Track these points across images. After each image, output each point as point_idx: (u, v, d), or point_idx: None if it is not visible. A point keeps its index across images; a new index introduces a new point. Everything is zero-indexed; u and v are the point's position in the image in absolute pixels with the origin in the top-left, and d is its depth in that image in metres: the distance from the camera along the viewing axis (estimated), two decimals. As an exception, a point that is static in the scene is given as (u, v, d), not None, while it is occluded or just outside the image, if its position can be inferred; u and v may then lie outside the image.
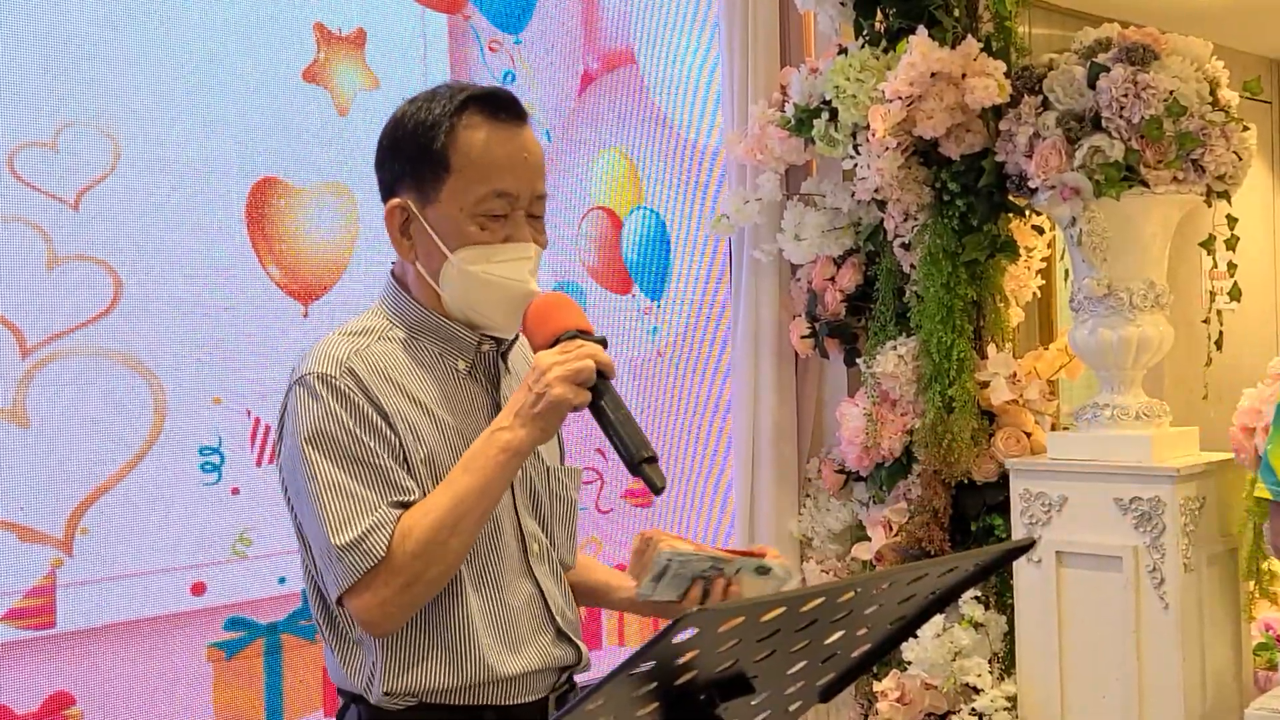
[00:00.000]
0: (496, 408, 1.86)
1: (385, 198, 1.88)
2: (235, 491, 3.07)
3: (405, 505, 1.76)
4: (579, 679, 1.99)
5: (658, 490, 1.75)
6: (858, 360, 3.85)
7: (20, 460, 2.77)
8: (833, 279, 3.91)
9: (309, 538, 1.79)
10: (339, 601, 1.76)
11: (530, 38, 3.74)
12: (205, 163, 3.05)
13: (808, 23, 4.17)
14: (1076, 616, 3.36)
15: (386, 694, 1.79)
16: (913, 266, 3.65)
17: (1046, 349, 3.88)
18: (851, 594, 1.42)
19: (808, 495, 4.06)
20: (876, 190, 3.60)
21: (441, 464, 1.80)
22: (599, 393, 1.76)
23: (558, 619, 1.91)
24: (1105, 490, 3.31)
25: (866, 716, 3.72)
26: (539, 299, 1.85)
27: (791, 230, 3.90)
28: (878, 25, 3.72)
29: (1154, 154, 3.24)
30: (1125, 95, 3.21)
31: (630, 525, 3.94)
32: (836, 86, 3.57)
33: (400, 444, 1.78)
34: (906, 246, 3.68)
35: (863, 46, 3.67)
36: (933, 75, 3.41)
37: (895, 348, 3.64)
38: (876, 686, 3.56)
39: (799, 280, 4.03)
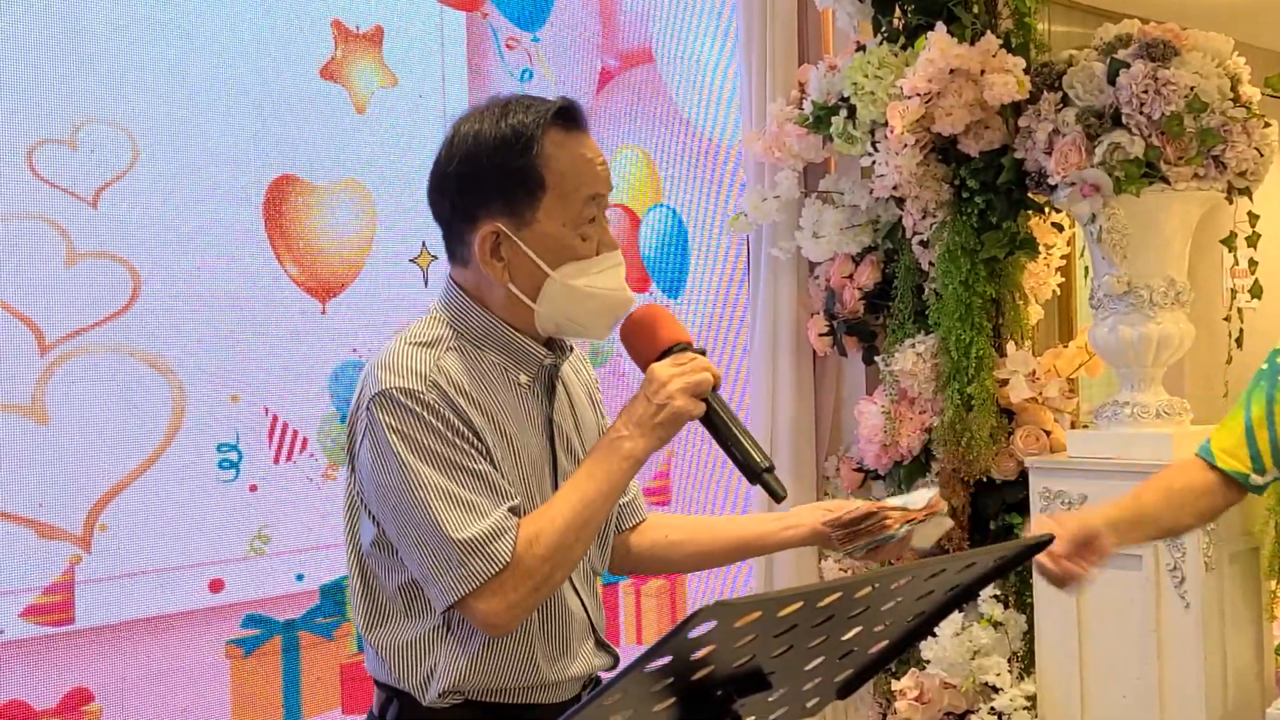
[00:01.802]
0: (549, 421, 1.90)
1: (461, 223, 1.86)
2: (253, 488, 3.08)
3: (514, 510, 1.78)
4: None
5: (779, 499, 1.81)
6: (876, 358, 3.83)
7: (39, 457, 2.78)
8: (851, 276, 3.90)
9: (410, 546, 1.77)
10: (452, 606, 1.76)
11: (548, 35, 3.73)
12: (223, 160, 3.06)
13: (826, 20, 4.16)
14: (1096, 615, 3.34)
15: (441, 694, 1.81)
16: (931, 264, 3.64)
17: (1066, 347, 3.86)
18: (869, 590, 1.41)
19: (826, 493, 4.05)
20: (895, 187, 3.58)
21: (510, 475, 1.82)
22: (711, 405, 1.82)
23: (597, 629, 1.97)
24: (1125, 488, 3.24)
25: (885, 715, 3.71)
26: (636, 312, 1.89)
27: (810, 228, 3.88)
28: (896, 22, 3.71)
29: (1174, 150, 3.22)
30: (1146, 91, 3.19)
31: (648, 523, 3.92)
32: (854, 83, 3.56)
33: (489, 452, 1.80)
34: (925, 244, 3.66)
35: (881, 43, 3.65)
36: (951, 72, 3.40)
37: (914, 345, 3.63)
38: (895, 685, 3.55)
39: (817, 278, 4.02)
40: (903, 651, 1.70)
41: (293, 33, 3.19)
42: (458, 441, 1.76)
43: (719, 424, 1.82)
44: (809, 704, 1.66)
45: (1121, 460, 3.32)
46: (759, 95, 4.04)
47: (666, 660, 1.26)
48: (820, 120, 3.75)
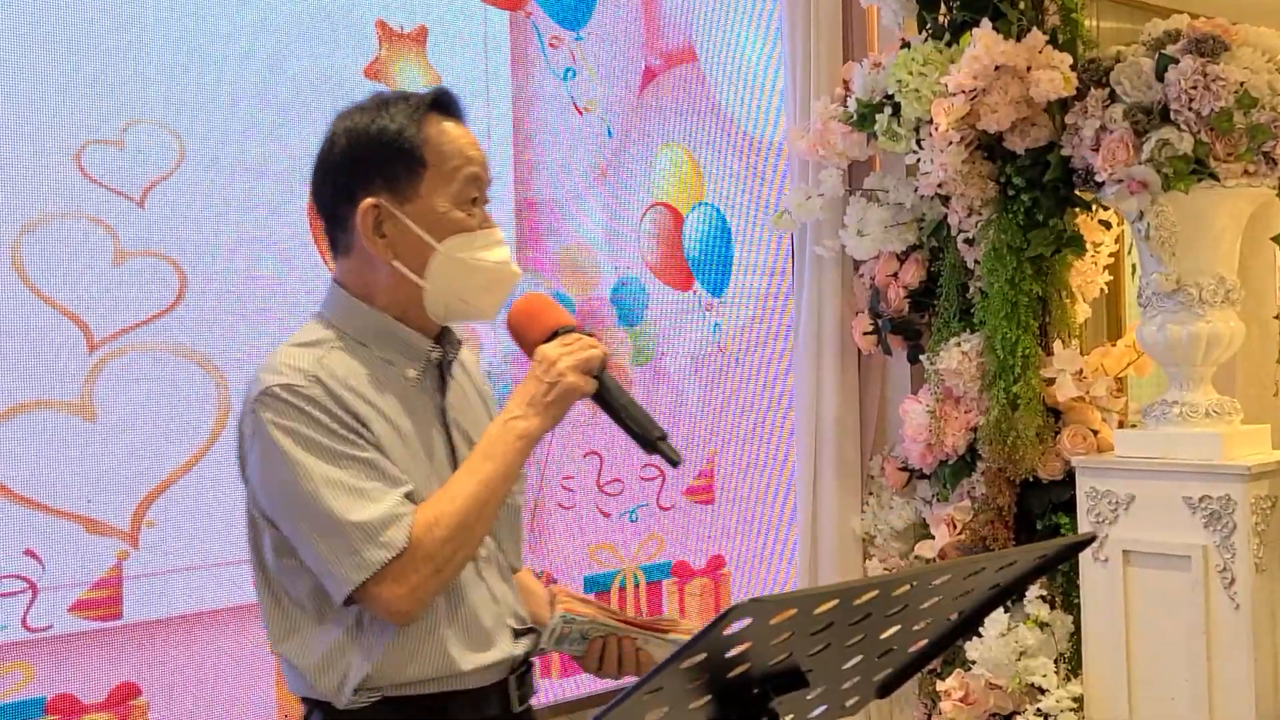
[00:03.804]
0: (442, 414, 1.93)
1: (339, 205, 1.90)
2: (298, 486, 3.10)
3: (409, 496, 1.80)
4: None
5: (675, 464, 1.85)
6: (921, 357, 3.81)
7: (87, 453, 2.81)
8: (896, 275, 3.88)
9: (305, 541, 1.78)
10: (350, 598, 1.77)
11: (591, 34, 3.74)
12: (268, 159, 3.08)
13: (870, 17, 4.14)
14: (1144, 616, 3.31)
15: (356, 691, 1.82)
16: (977, 262, 3.62)
17: (1114, 345, 3.83)
18: (907, 588, 1.40)
19: (870, 493, 4.03)
20: (940, 185, 3.56)
21: (407, 467, 1.83)
22: (602, 381, 1.87)
23: (510, 620, 1.96)
24: (1174, 489, 3.26)
25: (930, 716, 3.69)
26: (520, 301, 1.95)
27: (854, 226, 3.87)
28: (941, 19, 3.69)
29: (1224, 147, 3.18)
30: (1194, 87, 3.16)
31: (691, 522, 3.93)
32: (899, 80, 3.54)
33: (377, 444, 1.82)
34: (970, 242, 3.64)
35: (926, 40, 3.63)
36: (997, 68, 3.38)
37: (959, 344, 3.61)
38: (940, 686, 3.53)
39: (862, 276, 4.01)
40: (943, 651, 1.69)
41: (337, 33, 3.21)
42: (344, 433, 1.78)
43: (611, 399, 1.86)
44: (848, 703, 1.65)
45: (1170, 460, 3.29)
46: (803, 93, 4.03)
47: (702, 657, 1.26)
48: (865, 118, 3.74)
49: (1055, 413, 3.58)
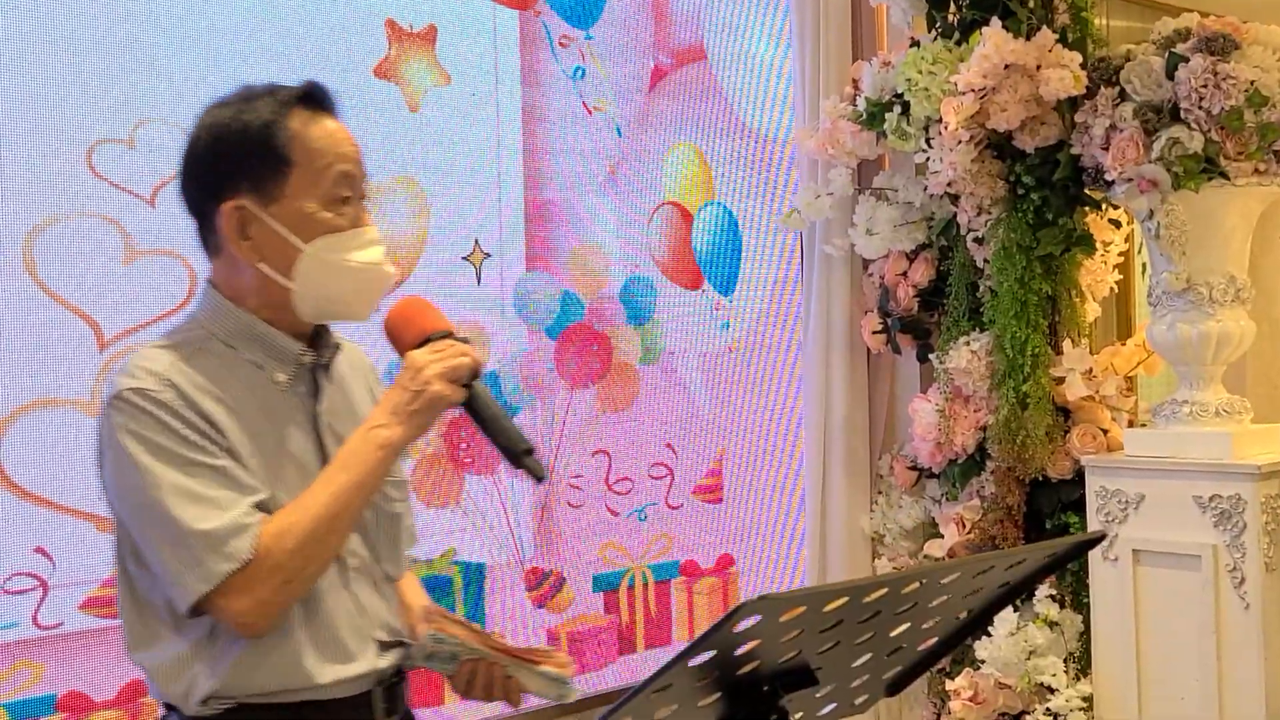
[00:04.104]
0: (314, 418, 1.87)
1: (205, 204, 1.84)
2: (308, 484, 3.10)
3: (260, 505, 1.75)
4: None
5: (540, 479, 1.81)
6: (930, 355, 3.81)
7: (98, 452, 2.81)
8: (905, 274, 3.87)
9: (154, 549, 1.74)
10: (197, 608, 1.72)
11: (601, 33, 3.74)
12: (279, 159, 3.08)
13: (880, 16, 4.14)
14: (1154, 616, 3.31)
15: (202, 702, 1.77)
16: (986, 261, 3.61)
17: (1124, 344, 3.82)
18: (916, 585, 1.40)
19: (880, 492, 4.03)
20: (949, 184, 3.56)
21: (266, 474, 1.78)
22: (472, 390, 1.81)
23: (378, 632, 1.89)
24: (1184, 488, 3.25)
25: (939, 715, 3.68)
26: (397, 304, 1.88)
27: (863, 225, 3.87)
28: (950, 17, 3.68)
29: (1234, 145, 3.18)
30: (1205, 86, 3.15)
31: (700, 521, 3.93)
32: (908, 79, 3.54)
33: (233, 450, 1.77)
34: (980, 241, 3.64)
35: (935, 39, 3.63)
36: (1007, 67, 3.37)
37: (968, 343, 3.60)
38: (949, 685, 3.52)
39: (871, 275, 4.01)
40: (953, 649, 1.69)
41: (347, 32, 3.21)
42: (195, 438, 1.73)
43: (479, 409, 1.81)
44: (857, 701, 1.65)
45: (1180, 459, 3.28)
46: (812, 92, 4.03)
47: (711, 654, 1.26)
48: (874, 117, 3.74)
49: (1065, 412, 3.57)
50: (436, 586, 3.32)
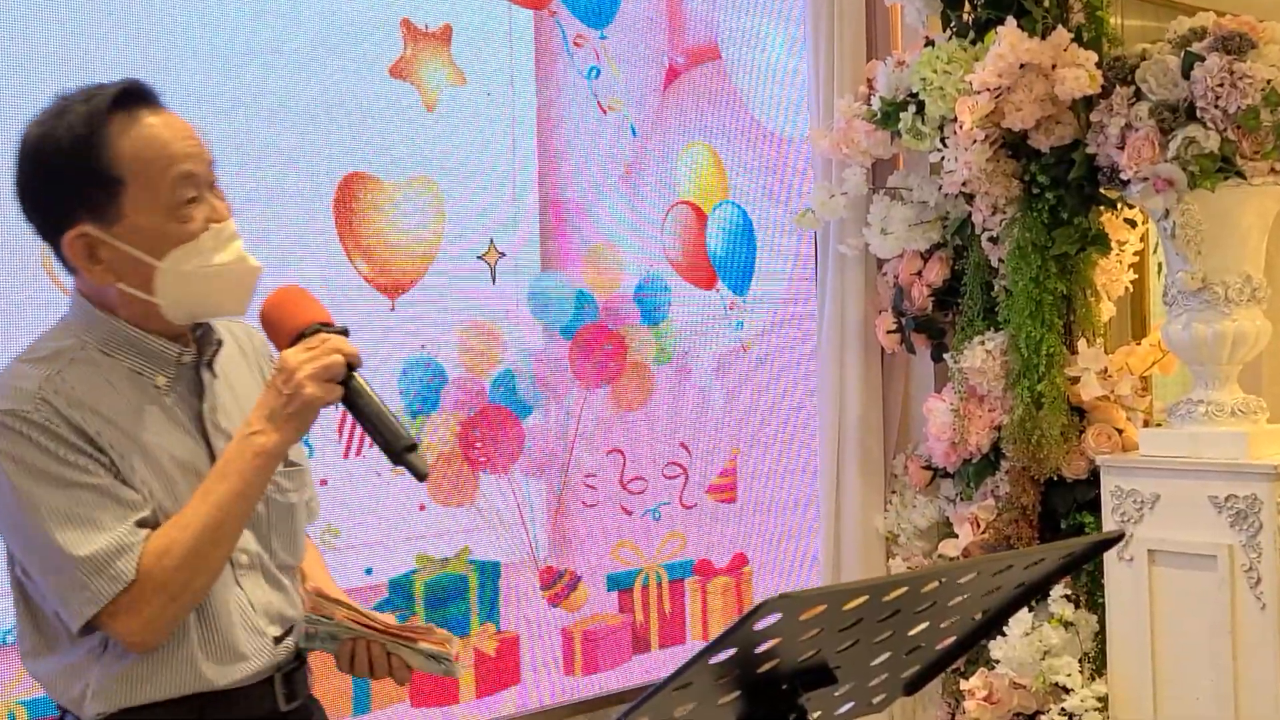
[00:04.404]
0: (199, 419, 1.83)
1: (48, 234, 1.77)
2: (323, 483, 3.11)
3: (144, 521, 1.71)
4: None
5: (421, 477, 1.76)
6: (945, 355, 3.81)
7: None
8: (919, 273, 3.87)
9: (37, 572, 1.71)
10: (86, 628, 1.70)
11: (615, 33, 3.74)
12: (294, 158, 3.09)
13: (894, 15, 4.14)
14: (1169, 616, 3.30)
15: (100, 712, 1.74)
16: (1001, 260, 3.61)
17: (1139, 344, 3.81)
18: (935, 584, 1.40)
19: (894, 491, 4.03)
20: (964, 183, 3.55)
21: (148, 484, 1.74)
22: (350, 386, 1.75)
23: (272, 628, 1.86)
24: (1199, 488, 3.25)
25: (954, 715, 3.68)
26: (271, 295, 1.82)
27: (878, 224, 3.86)
28: (965, 16, 3.68)
29: (1250, 145, 3.17)
30: (1221, 85, 3.14)
31: (714, 520, 3.93)
32: (923, 79, 3.54)
33: (113, 464, 1.72)
34: (995, 240, 3.63)
35: (950, 38, 3.63)
36: (1022, 66, 3.37)
37: (983, 343, 3.60)
38: (964, 685, 3.52)
39: (885, 275, 4.00)
40: (970, 648, 1.69)
41: (363, 32, 3.22)
42: (72, 458, 1.68)
43: (358, 406, 1.75)
44: (875, 700, 1.65)
45: (1195, 459, 3.27)
46: (826, 91, 4.02)
47: (731, 652, 1.26)
48: (889, 116, 3.73)
49: (1080, 411, 3.57)
50: (452, 585, 3.33)
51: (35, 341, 1.80)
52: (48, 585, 1.71)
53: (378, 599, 3.20)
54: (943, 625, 1.54)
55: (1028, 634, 3.41)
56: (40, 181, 1.75)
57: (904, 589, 1.35)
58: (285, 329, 1.78)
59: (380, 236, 3.24)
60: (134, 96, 1.75)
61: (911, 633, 1.50)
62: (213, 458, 1.80)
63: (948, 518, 3.83)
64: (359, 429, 3.09)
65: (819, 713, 1.53)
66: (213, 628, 1.79)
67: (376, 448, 1.76)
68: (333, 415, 3.14)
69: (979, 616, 1.60)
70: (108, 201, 1.71)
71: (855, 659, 1.47)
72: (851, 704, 1.60)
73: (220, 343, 1.89)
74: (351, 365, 1.75)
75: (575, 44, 3.65)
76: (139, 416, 1.76)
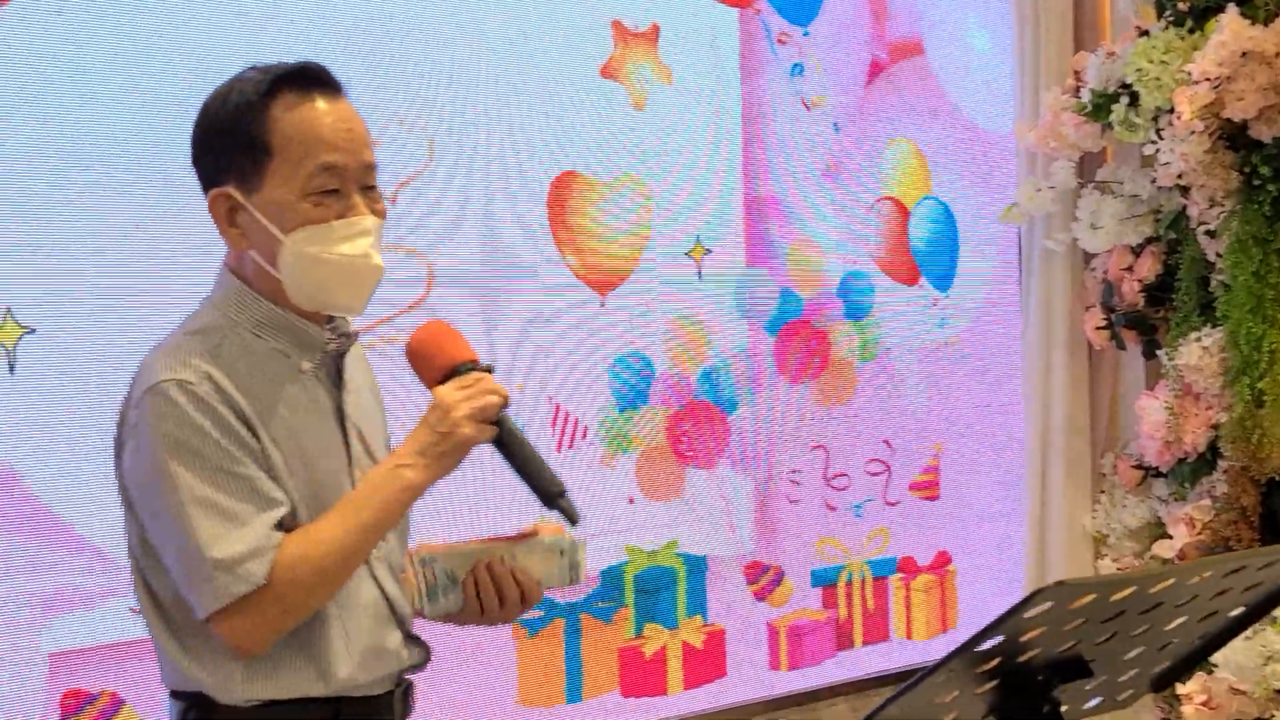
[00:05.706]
0: (339, 410, 1.82)
1: (205, 186, 1.80)
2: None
3: (281, 523, 1.70)
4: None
5: (575, 522, 1.74)
6: (1158, 352, 3.72)
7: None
8: (1130, 268, 3.79)
9: (168, 552, 1.70)
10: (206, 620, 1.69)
11: (818, 29, 3.74)
12: (511, 157, 3.17)
13: (1103, 6, 4.05)
14: (1402, 623, 3.17)
15: (247, 698, 1.72)
16: (1218, 255, 3.51)
17: (1366, 340, 3.67)
18: (1199, 579, 1.39)
19: (1102, 491, 3.95)
20: (1180, 176, 3.47)
21: (296, 469, 1.74)
22: (502, 429, 1.74)
23: (405, 621, 1.86)
24: None
25: (1168, 720, 3.59)
26: (419, 332, 1.82)
27: (1087, 219, 3.79)
28: (1181, 5, 3.58)
29: None
30: None
31: (917, 517, 3.91)
32: (1138, 69, 3.46)
33: (264, 450, 1.72)
34: (1212, 234, 3.53)
35: (1166, 28, 3.54)
36: (1244, 55, 3.27)
37: (1199, 339, 3.51)
38: (1180, 689, 3.43)
39: (1093, 270, 3.92)
40: (1219, 647, 1.67)
41: (575, 34, 3.28)
42: (225, 443, 1.68)
43: (511, 448, 1.75)
44: (1121, 696, 1.64)
45: None
46: (1031, 85, 3.96)
47: (998, 640, 1.27)
48: (1099, 108, 3.66)
49: (1303, 410, 3.45)
50: (660, 577, 3.38)
51: (185, 320, 1.80)
52: (175, 567, 1.70)
53: (590, 588, 3.26)
54: (1199, 621, 1.52)
55: (1249, 639, 3.31)
56: (203, 134, 1.79)
57: (1171, 581, 1.33)
58: (435, 365, 1.77)
59: (591, 234, 3.30)
60: (312, 79, 1.77)
61: (1168, 627, 1.48)
62: (348, 450, 1.81)
63: (1159, 518, 3.74)
64: (570, 423, 3.17)
65: (1066, 707, 1.52)
66: (350, 619, 1.77)
67: (529, 487, 1.74)
68: (545, 410, 3.22)
69: (1235, 614, 1.58)
70: (253, 169, 1.74)
71: (1109, 652, 1.46)
72: (1099, 699, 1.59)
73: (350, 336, 1.87)
74: (503, 406, 1.75)
75: (779, 41, 3.66)
76: (288, 400, 1.76)
